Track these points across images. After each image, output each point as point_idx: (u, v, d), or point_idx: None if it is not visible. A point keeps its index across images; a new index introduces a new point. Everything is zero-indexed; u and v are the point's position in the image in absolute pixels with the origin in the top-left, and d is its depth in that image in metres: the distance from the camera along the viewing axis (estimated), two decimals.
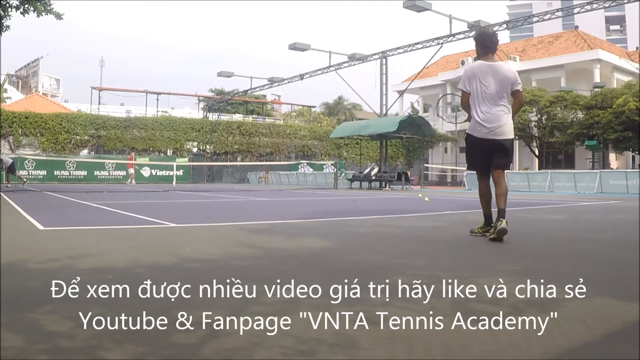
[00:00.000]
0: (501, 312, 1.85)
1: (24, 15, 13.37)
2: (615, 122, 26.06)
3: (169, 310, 1.85)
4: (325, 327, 1.65)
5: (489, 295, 2.13)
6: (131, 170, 26.63)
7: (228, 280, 2.47)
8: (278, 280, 2.48)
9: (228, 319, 1.74)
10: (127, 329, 1.61)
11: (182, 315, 1.78)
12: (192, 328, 1.62)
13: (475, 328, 1.65)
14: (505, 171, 4.31)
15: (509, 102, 4.13)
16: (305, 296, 2.11)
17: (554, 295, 2.15)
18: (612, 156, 31.63)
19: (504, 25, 21.09)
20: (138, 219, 5.96)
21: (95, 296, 2.07)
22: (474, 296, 2.11)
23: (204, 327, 1.63)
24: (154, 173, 29.65)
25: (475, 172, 4.35)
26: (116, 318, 1.74)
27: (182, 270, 2.70)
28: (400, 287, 2.30)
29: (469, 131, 4.17)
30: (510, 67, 4.28)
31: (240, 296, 2.11)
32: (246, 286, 2.32)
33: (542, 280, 2.46)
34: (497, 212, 3.98)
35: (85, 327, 1.61)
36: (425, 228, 5.20)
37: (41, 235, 4.25)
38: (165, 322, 1.70)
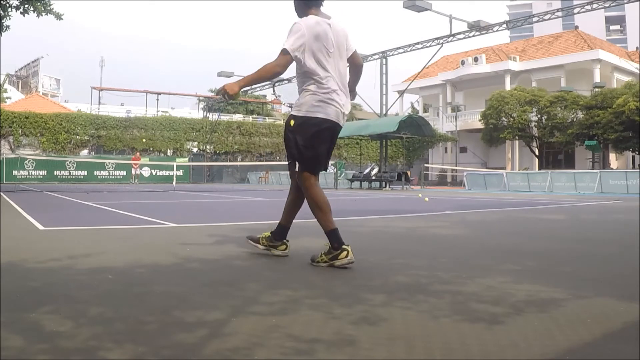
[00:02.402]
0: (501, 312, 1.85)
1: (24, 15, 13.38)
2: (615, 122, 26.07)
3: (169, 310, 1.86)
4: (325, 327, 1.65)
5: (489, 295, 2.13)
6: (137, 170, 26.63)
7: (228, 280, 2.47)
8: (278, 280, 2.48)
9: (228, 319, 1.74)
10: (127, 329, 1.61)
11: (182, 315, 1.78)
12: (192, 328, 1.62)
13: (475, 328, 1.65)
14: None
15: None
16: (305, 296, 2.11)
17: (554, 295, 2.15)
18: (612, 156, 31.63)
19: (504, 25, 21.10)
20: (138, 219, 5.96)
21: (95, 296, 2.08)
22: (474, 296, 2.12)
23: (204, 327, 1.63)
24: (154, 173, 29.66)
25: (311, 173, 2.94)
26: (116, 318, 1.74)
27: (182, 270, 2.71)
28: (400, 287, 2.31)
29: (312, 112, 2.84)
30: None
31: (241, 296, 2.11)
32: (246, 286, 2.32)
33: (542, 280, 2.47)
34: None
35: (85, 327, 1.62)
36: (425, 228, 5.20)
37: (41, 235, 4.25)
38: (165, 322, 1.70)
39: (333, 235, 2.82)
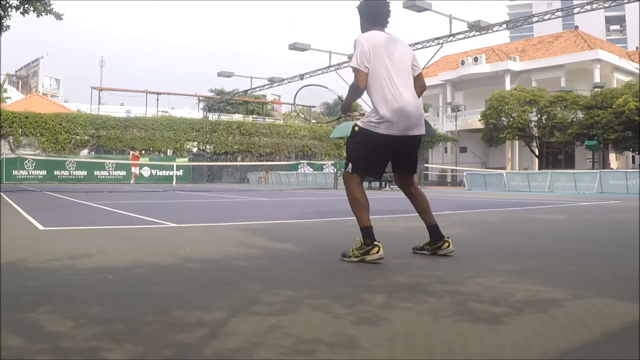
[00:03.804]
0: (501, 312, 1.85)
1: (24, 15, 13.37)
2: (615, 122, 26.08)
3: (168, 310, 1.85)
4: (325, 327, 1.65)
5: (489, 295, 2.13)
6: (136, 170, 26.60)
7: (228, 280, 2.47)
8: (278, 280, 2.48)
9: (228, 319, 1.74)
10: (127, 329, 1.61)
11: (182, 315, 1.78)
12: (192, 328, 1.62)
13: (475, 328, 1.65)
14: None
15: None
16: (305, 296, 2.11)
17: (554, 295, 2.15)
18: (612, 156, 31.63)
19: (504, 25, 21.10)
20: (138, 219, 5.96)
21: (95, 296, 2.07)
22: (474, 296, 2.12)
23: (204, 327, 1.63)
24: (154, 173, 29.65)
25: (363, 176, 3.19)
26: (116, 318, 1.74)
27: (182, 270, 2.71)
28: (400, 287, 2.31)
29: (370, 127, 3.02)
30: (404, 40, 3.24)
31: (241, 296, 2.11)
32: (246, 286, 2.32)
33: (542, 280, 2.47)
34: (431, 229, 3.32)
35: (85, 327, 1.62)
36: (426, 228, 5.19)
37: (41, 235, 4.25)
38: (165, 322, 1.70)
39: (367, 232, 2.95)
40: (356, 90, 3.04)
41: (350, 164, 3.11)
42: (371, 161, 3.11)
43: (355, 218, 3.07)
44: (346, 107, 3.28)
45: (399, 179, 3.29)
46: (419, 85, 3.20)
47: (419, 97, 3.18)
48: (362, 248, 2.92)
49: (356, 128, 3.06)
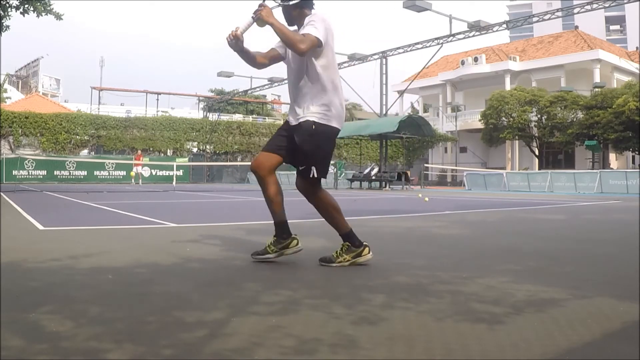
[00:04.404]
0: (501, 312, 1.85)
1: (24, 15, 13.38)
2: (615, 122, 26.07)
3: (168, 310, 1.85)
4: (325, 327, 1.65)
5: (489, 295, 2.13)
6: (139, 170, 26.59)
7: (228, 280, 2.47)
8: (278, 280, 2.48)
9: (228, 319, 1.74)
10: (127, 329, 1.61)
11: (182, 315, 1.78)
12: (192, 328, 1.62)
13: (475, 328, 1.65)
14: None
15: None
16: (305, 296, 2.11)
17: (554, 295, 2.15)
18: (612, 156, 31.63)
19: (504, 25, 21.10)
20: (138, 219, 5.96)
21: (95, 296, 2.07)
22: (474, 296, 2.12)
23: (204, 327, 1.63)
24: (154, 173, 29.64)
25: (322, 179, 2.87)
26: (116, 318, 1.74)
27: (182, 270, 2.71)
28: (400, 287, 2.31)
29: (330, 122, 2.79)
30: None
31: (241, 296, 2.11)
32: (246, 286, 2.32)
33: (542, 280, 2.47)
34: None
35: (85, 327, 1.62)
36: (425, 228, 5.20)
37: (41, 235, 4.25)
38: (165, 322, 1.70)
39: (352, 234, 2.90)
40: (298, 49, 2.58)
41: (316, 168, 2.79)
42: (329, 162, 2.92)
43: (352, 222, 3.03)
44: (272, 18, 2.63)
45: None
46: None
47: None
48: (352, 250, 2.86)
49: (313, 126, 2.74)
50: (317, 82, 2.76)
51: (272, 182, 2.90)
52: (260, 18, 2.60)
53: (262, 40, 2.85)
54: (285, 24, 2.77)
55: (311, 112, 2.76)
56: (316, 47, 2.66)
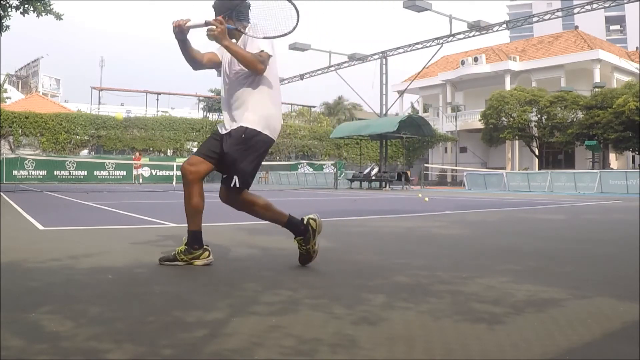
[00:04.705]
0: (501, 312, 1.85)
1: (24, 15, 13.38)
2: (615, 122, 26.08)
3: (169, 310, 1.86)
4: (325, 327, 1.65)
5: (489, 295, 2.13)
6: (139, 171, 26.58)
7: (228, 281, 2.47)
8: (278, 280, 2.48)
9: (228, 319, 1.74)
10: (127, 329, 1.61)
11: (182, 315, 1.78)
12: (192, 328, 1.62)
13: (475, 328, 1.65)
14: None
15: None
16: (305, 296, 2.11)
17: (554, 295, 2.15)
18: (612, 156, 31.63)
19: (504, 25, 21.10)
20: (138, 219, 5.96)
21: (95, 296, 2.07)
22: (474, 296, 2.12)
23: (204, 327, 1.63)
24: (154, 173, 29.64)
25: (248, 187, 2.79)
26: (116, 318, 1.74)
27: (182, 270, 2.70)
28: (400, 287, 2.31)
29: (263, 130, 2.71)
30: None
31: (241, 296, 2.11)
32: (246, 286, 2.32)
33: (542, 280, 2.47)
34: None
35: (85, 327, 1.62)
36: (425, 228, 5.20)
37: (41, 235, 4.25)
38: (165, 322, 1.70)
39: (291, 224, 2.79)
40: (258, 69, 2.60)
41: (238, 178, 2.68)
42: (255, 172, 2.80)
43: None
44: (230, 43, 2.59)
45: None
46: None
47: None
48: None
49: (243, 135, 2.67)
50: (257, 92, 2.71)
51: (197, 192, 2.80)
52: (214, 37, 2.54)
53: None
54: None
55: (245, 119, 2.68)
56: (267, 64, 2.64)
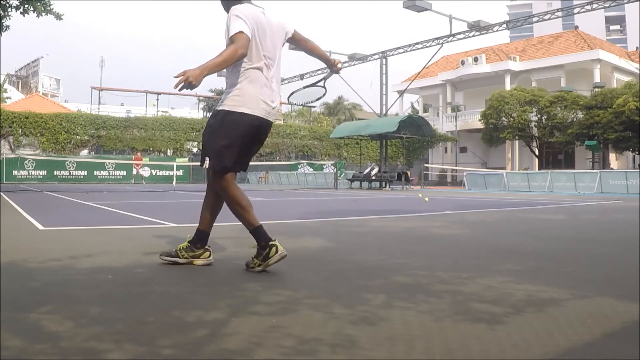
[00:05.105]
0: (501, 312, 1.85)
1: (24, 15, 13.37)
2: (615, 122, 26.07)
3: (169, 310, 1.85)
4: (325, 327, 1.65)
5: (489, 295, 2.13)
6: (139, 171, 26.57)
7: (228, 281, 2.47)
8: (278, 280, 2.48)
9: (228, 319, 1.74)
10: (127, 329, 1.61)
11: (182, 315, 1.78)
12: (192, 328, 1.62)
13: (475, 328, 1.65)
14: None
15: None
16: (305, 296, 2.11)
17: (554, 295, 2.15)
18: (612, 156, 31.62)
19: (504, 25, 21.10)
20: (138, 219, 5.96)
21: (95, 296, 2.07)
22: (474, 296, 2.12)
23: (204, 327, 1.63)
24: (154, 173, 29.63)
25: (228, 171, 2.68)
26: (116, 318, 1.74)
27: (182, 270, 2.70)
28: (400, 287, 2.31)
29: (238, 108, 2.60)
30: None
31: (241, 296, 2.11)
32: (246, 286, 2.32)
33: (542, 280, 2.47)
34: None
35: (85, 327, 1.61)
36: (425, 228, 5.20)
37: (41, 235, 4.25)
38: (165, 322, 1.70)
39: (258, 233, 2.65)
40: (237, 56, 2.46)
41: (209, 158, 2.66)
42: (228, 154, 2.68)
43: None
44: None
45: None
46: (307, 46, 2.93)
47: (311, 44, 2.92)
48: (260, 253, 2.63)
49: (214, 118, 2.68)
50: (231, 74, 2.65)
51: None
52: (190, 83, 2.33)
53: None
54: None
55: (220, 104, 2.65)
56: (248, 41, 2.51)
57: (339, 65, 3.04)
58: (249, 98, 2.61)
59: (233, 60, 2.46)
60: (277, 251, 2.60)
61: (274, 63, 2.72)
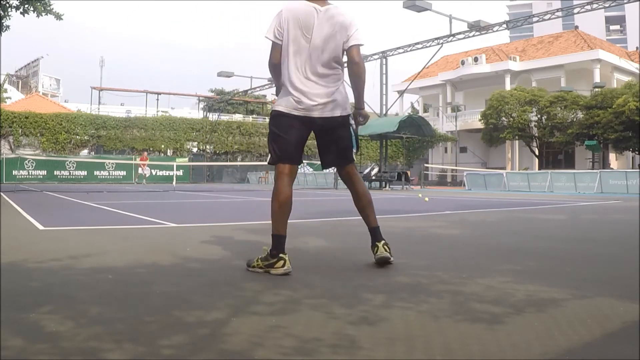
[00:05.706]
0: (501, 312, 1.85)
1: (24, 15, 13.37)
2: (615, 122, 26.07)
3: (169, 310, 1.85)
4: (325, 327, 1.65)
5: (489, 295, 2.13)
6: (144, 171, 26.52)
7: (228, 280, 2.47)
8: (278, 280, 2.48)
9: (228, 319, 1.74)
10: (127, 329, 1.61)
11: (182, 315, 1.78)
12: (192, 328, 1.62)
13: (475, 328, 1.65)
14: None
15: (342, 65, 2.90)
16: (305, 296, 2.11)
17: (554, 295, 2.15)
18: (612, 156, 31.62)
19: (504, 25, 21.09)
20: (138, 219, 5.95)
21: (95, 296, 2.07)
22: (474, 296, 2.12)
23: (204, 327, 1.63)
24: (154, 173, 29.62)
25: (283, 166, 2.82)
26: (116, 318, 1.74)
27: (182, 270, 2.71)
28: (400, 287, 2.31)
29: (280, 107, 2.77)
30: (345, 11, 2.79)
31: (241, 296, 2.11)
32: (246, 286, 2.32)
33: (542, 280, 2.47)
34: (371, 231, 3.07)
35: (85, 327, 1.61)
36: (425, 228, 5.20)
37: (41, 235, 4.25)
38: (165, 322, 1.70)
39: (277, 240, 2.68)
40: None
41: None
42: (274, 147, 2.87)
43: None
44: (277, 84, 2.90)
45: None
46: (349, 69, 2.88)
47: (354, 77, 2.92)
48: (267, 259, 2.64)
49: None
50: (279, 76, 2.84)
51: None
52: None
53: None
54: None
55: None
56: (275, 46, 2.74)
57: (361, 121, 3.14)
58: (285, 95, 2.77)
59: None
60: (283, 265, 2.61)
61: (318, 53, 2.72)
